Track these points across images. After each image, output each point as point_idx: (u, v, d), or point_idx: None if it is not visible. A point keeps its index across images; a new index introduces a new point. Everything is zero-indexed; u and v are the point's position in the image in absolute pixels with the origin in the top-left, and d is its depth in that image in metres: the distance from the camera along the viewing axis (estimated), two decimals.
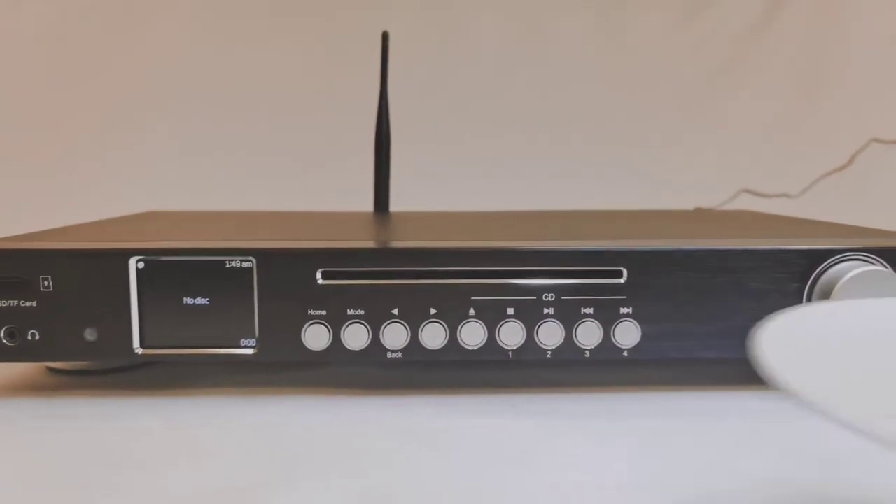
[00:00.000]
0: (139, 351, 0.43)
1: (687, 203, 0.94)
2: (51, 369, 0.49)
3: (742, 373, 0.48)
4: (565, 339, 0.43)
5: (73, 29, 1.06)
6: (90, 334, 0.42)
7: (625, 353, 0.43)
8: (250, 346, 0.43)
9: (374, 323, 0.43)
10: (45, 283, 0.42)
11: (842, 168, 1.05)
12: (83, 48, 1.06)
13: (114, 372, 0.49)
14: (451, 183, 1.03)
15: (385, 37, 0.72)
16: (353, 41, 1.04)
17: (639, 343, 0.43)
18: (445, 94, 1.07)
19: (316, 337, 0.42)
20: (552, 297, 0.43)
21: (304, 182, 1.02)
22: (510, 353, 0.43)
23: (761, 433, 0.39)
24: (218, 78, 1.06)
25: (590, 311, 0.43)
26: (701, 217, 0.69)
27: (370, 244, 0.45)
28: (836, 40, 1.11)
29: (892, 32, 1.12)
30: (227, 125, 1.06)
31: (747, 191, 1.03)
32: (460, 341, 0.43)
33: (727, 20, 1.11)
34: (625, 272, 0.43)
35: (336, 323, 0.42)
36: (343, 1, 1.07)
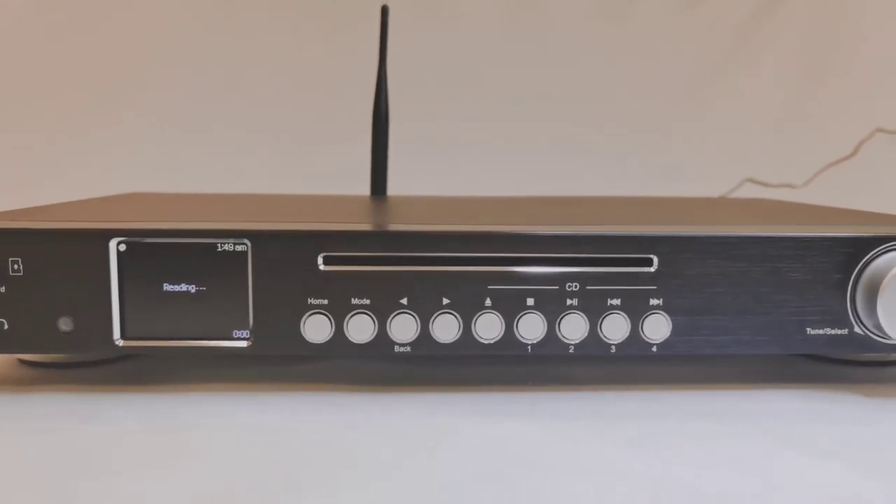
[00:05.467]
0: (120, 342, 0.39)
1: (689, 192, 0.91)
2: (23, 361, 0.45)
3: (781, 370, 0.45)
4: (590, 332, 0.39)
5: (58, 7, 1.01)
6: (65, 324, 0.38)
7: (654, 349, 0.40)
8: (244, 338, 0.39)
9: (381, 313, 0.39)
10: (15, 266, 0.38)
11: (847, 158, 1.03)
12: (66, 18, 1.01)
13: (92, 365, 0.44)
14: (441, 168, 0.99)
15: (385, 11, 0.68)
16: (350, 14, 0.99)
17: (669, 337, 0.40)
18: (440, 77, 1.03)
19: (316, 328, 0.39)
20: (576, 286, 0.39)
21: (293, 164, 0.98)
22: (529, 347, 0.39)
23: (804, 436, 0.36)
24: (207, 53, 1.02)
25: (617, 302, 0.39)
26: (716, 204, 0.65)
27: (377, 226, 0.41)
28: (841, 29, 1.09)
29: None
30: (214, 104, 1.02)
31: (751, 180, 1.00)
32: (475, 334, 0.39)
33: (732, 7, 1.08)
34: (655, 260, 0.39)
35: (339, 313, 0.39)
36: None
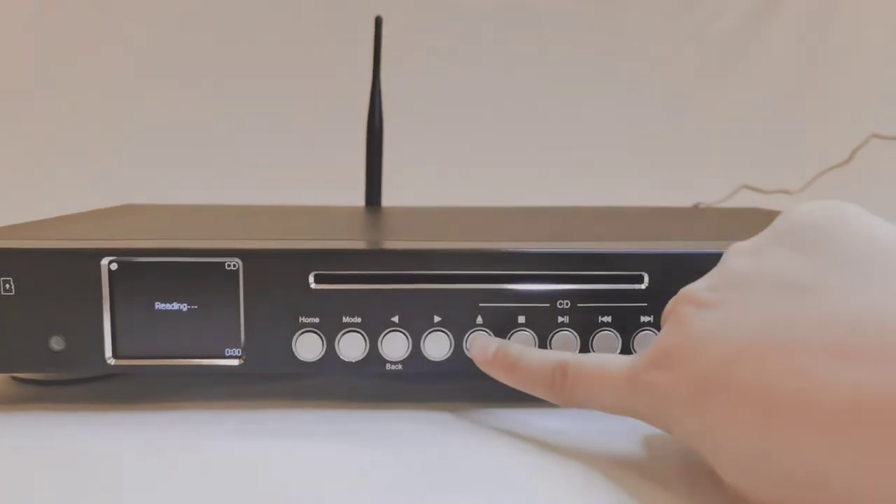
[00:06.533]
0: (112, 361, 0.39)
1: (686, 199, 0.91)
2: (16, 378, 0.45)
3: None
4: (581, 349, 0.39)
5: (54, 9, 1.01)
6: (57, 343, 0.38)
7: None
8: (235, 357, 0.39)
9: (372, 331, 0.39)
10: (7, 285, 0.38)
11: (842, 164, 1.02)
12: (62, 28, 1.01)
13: (86, 382, 0.44)
14: (435, 175, 0.99)
15: (378, 21, 0.68)
16: (343, 23, 1.00)
17: None
18: (432, 83, 1.03)
19: (308, 346, 0.39)
20: (567, 304, 0.39)
21: (290, 174, 0.99)
22: None
23: None
24: (201, 62, 1.02)
25: (608, 319, 0.40)
26: (708, 215, 0.66)
27: (368, 245, 0.41)
28: (836, 34, 1.09)
29: (892, 26, 1.10)
30: (209, 113, 1.02)
31: (747, 186, 1.00)
32: (466, 352, 0.39)
33: (725, 12, 1.09)
34: (646, 277, 0.39)
35: (330, 331, 0.39)
36: None
